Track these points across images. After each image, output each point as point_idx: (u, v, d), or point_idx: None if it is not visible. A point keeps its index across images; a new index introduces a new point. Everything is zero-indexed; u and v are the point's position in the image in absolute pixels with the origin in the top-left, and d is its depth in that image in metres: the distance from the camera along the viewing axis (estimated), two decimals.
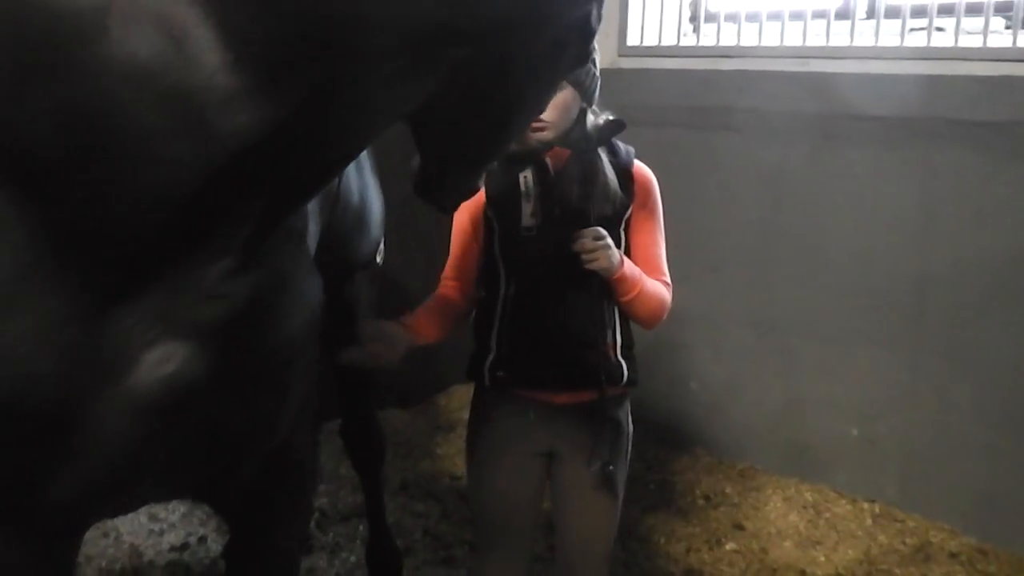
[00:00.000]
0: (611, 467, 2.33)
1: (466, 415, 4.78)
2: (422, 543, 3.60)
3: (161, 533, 3.57)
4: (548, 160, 2.23)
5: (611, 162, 2.27)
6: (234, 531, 1.88)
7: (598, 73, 2.25)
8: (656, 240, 2.33)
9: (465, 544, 3.58)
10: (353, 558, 3.46)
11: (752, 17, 4.16)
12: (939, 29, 3.74)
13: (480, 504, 2.49)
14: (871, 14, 3.92)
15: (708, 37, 4.33)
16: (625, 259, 2.21)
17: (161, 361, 1.26)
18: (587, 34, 1.42)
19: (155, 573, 3.34)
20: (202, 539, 3.54)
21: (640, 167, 2.33)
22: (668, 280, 2.33)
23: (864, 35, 3.90)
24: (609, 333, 2.29)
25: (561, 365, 2.28)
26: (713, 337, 4.24)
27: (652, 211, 2.33)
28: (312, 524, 3.65)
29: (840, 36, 3.95)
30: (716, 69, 4.14)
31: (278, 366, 1.52)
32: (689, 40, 4.43)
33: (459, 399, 5.03)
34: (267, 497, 1.78)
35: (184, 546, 3.49)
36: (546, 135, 2.15)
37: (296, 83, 1.09)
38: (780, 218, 4.03)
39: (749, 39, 4.17)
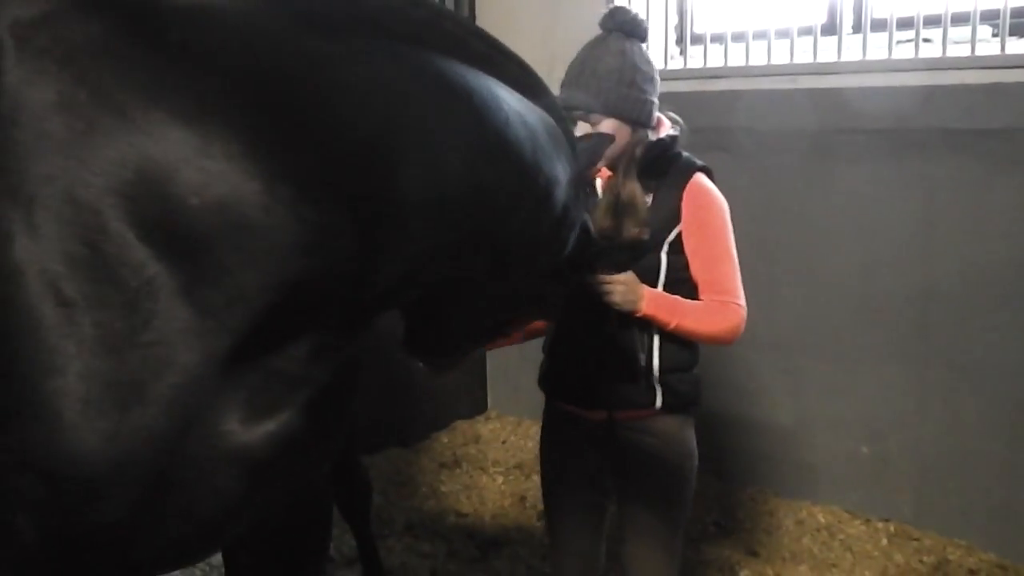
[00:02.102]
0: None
1: (469, 451, 4.79)
2: None
3: None
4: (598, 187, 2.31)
5: (652, 184, 2.25)
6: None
7: (651, 96, 2.25)
8: (713, 259, 2.28)
9: None
10: None
11: (738, 37, 4.15)
12: (926, 40, 3.73)
13: (546, 514, 2.57)
14: (858, 28, 3.91)
15: (696, 59, 4.32)
16: (653, 294, 2.19)
17: (262, 419, 1.28)
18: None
19: None
20: None
21: (696, 184, 2.28)
22: (734, 299, 2.27)
23: (852, 49, 3.89)
24: (642, 356, 2.28)
25: (592, 384, 2.33)
26: (717, 360, 4.17)
27: (706, 229, 2.27)
28: None
29: (828, 52, 3.94)
30: (706, 90, 4.12)
31: (342, 422, 1.59)
32: (677, 63, 4.42)
33: (461, 435, 4.97)
34: (289, 542, 1.78)
35: None
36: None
37: (349, 254, 1.29)
38: (779, 237, 4.00)
39: (737, 59, 4.16)
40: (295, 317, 1.27)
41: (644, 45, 2.29)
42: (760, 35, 4.09)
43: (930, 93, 3.59)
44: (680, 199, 2.25)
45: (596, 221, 2.17)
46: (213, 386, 1.21)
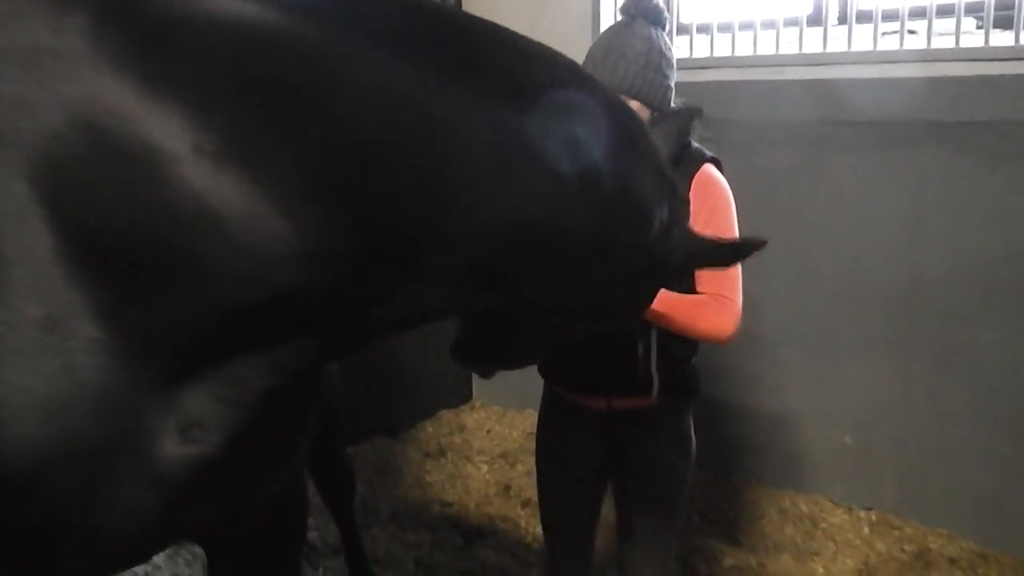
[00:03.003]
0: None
1: (454, 440, 4.79)
2: (414, 574, 3.52)
3: None
4: None
5: None
6: (223, 571, 1.84)
7: (671, 84, 2.24)
8: None
9: (458, 573, 3.51)
10: None
11: (724, 27, 4.15)
12: (911, 32, 3.74)
13: (541, 501, 2.54)
14: (843, 19, 3.92)
15: (682, 49, 4.32)
16: None
17: (188, 444, 1.25)
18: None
19: None
20: None
21: (705, 174, 2.25)
22: (729, 295, 2.22)
23: (837, 41, 3.90)
24: (641, 345, 2.27)
25: (590, 372, 2.31)
26: (702, 350, 4.17)
27: (710, 220, 2.21)
28: (302, 558, 3.57)
29: (813, 43, 3.94)
30: (691, 81, 4.12)
31: (297, 429, 1.55)
32: None
33: (447, 424, 4.97)
34: (265, 533, 1.77)
35: None
36: None
37: (360, 270, 1.20)
38: (765, 227, 3.95)
39: (723, 49, 4.16)
40: (243, 343, 1.21)
41: (666, 33, 2.28)
42: (746, 26, 4.09)
43: (915, 85, 3.60)
44: (688, 189, 2.21)
45: None
46: (142, 408, 1.18)
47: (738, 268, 2.25)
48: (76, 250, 1.10)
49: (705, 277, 2.23)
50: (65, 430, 1.13)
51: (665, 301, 2.18)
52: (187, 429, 1.23)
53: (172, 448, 1.23)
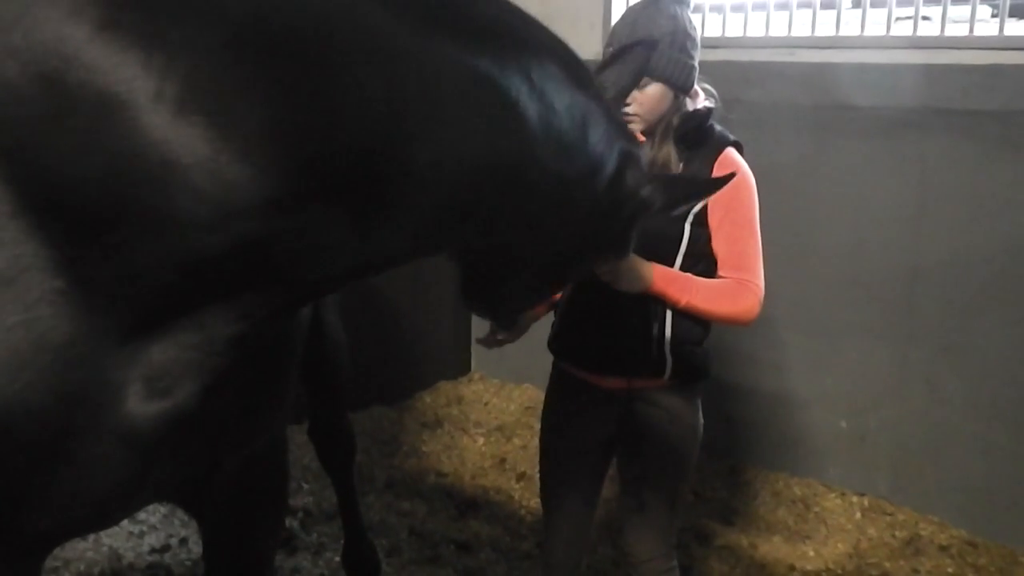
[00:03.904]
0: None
1: (451, 412, 4.80)
2: (407, 542, 3.55)
3: (141, 535, 3.50)
4: None
5: (684, 155, 2.22)
6: (211, 535, 1.84)
7: (695, 63, 2.22)
8: (738, 236, 2.23)
9: (451, 543, 3.53)
10: (338, 558, 3.40)
11: (737, 8, 4.12)
12: (925, 18, 3.71)
13: (542, 476, 2.55)
14: (857, 3, 3.89)
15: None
16: (663, 272, 2.16)
17: (157, 398, 1.24)
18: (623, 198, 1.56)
19: None
20: (183, 541, 3.47)
21: (727, 158, 2.24)
22: (752, 278, 2.22)
23: (850, 25, 3.87)
24: (655, 326, 2.26)
25: (603, 351, 2.31)
26: None
27: (732, 205, 2.22)
28: (296, 523, 3.60)
29: (826, 26, 3.92)
30: (702, 60, 4.09)
31: (271, 387, 1.54)
32: None
33: (445, 395, 4.98)
34: (246, 497, 1.76)
35: (165, 548, 3.43)
36: (634, 127, 2.14)
37: (322, 213, 1.17)
38: (770, 210, 3.97)
39: (734, 30, 4.13)
40: (208, 292, 1.20)
41: (690, 11, 2.26)
42: (759, 6, 4.07)
43: (927, 72, 3.58)
44: (710, 172, 2.21)
45: None
46: (105, 359, 1.17)
47: (759, 251, 2.26)
48: (35, 201, 1.09)
49: (726, 262, 2.24)
50: (25, 381, 1.13)
51: (690, 288, 2.18)
52: (153, 380, 1.22)
53: (138, 401, 1.22)
